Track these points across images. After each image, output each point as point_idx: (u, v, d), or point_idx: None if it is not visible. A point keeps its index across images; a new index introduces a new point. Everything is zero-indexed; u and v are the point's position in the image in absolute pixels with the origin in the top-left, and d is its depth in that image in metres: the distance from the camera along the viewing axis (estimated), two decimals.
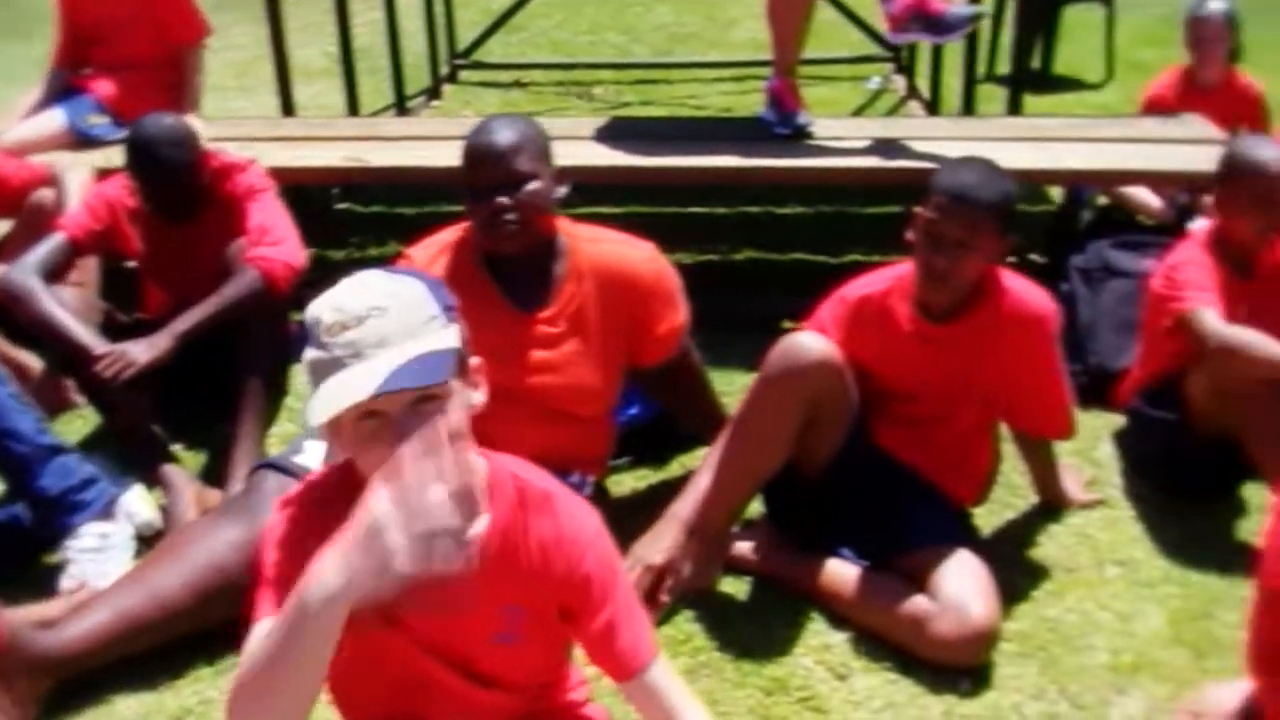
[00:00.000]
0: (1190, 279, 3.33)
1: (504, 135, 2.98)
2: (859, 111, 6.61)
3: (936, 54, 6.10)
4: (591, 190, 5.18)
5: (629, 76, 7.37)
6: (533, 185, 2.96)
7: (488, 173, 2.96)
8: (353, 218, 5.47)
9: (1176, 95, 5.15)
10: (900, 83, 6.80)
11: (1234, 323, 3.26)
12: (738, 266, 4.92)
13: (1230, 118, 5.10)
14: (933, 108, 6.12)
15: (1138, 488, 3.52)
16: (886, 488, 3.10)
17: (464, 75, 7.29)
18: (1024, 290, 3.06)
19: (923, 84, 6.41)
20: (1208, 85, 5.15)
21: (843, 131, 4.42)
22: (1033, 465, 3.39)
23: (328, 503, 1.90)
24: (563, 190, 3.08)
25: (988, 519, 3.38)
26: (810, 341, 2.96)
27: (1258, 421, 3.20)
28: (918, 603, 2.87)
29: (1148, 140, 4.46)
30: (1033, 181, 4.62)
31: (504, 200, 2.93)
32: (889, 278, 3.14)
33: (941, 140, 4.32)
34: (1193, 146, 4.34)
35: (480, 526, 1.86)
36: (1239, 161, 3.45)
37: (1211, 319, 3.22)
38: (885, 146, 4.23)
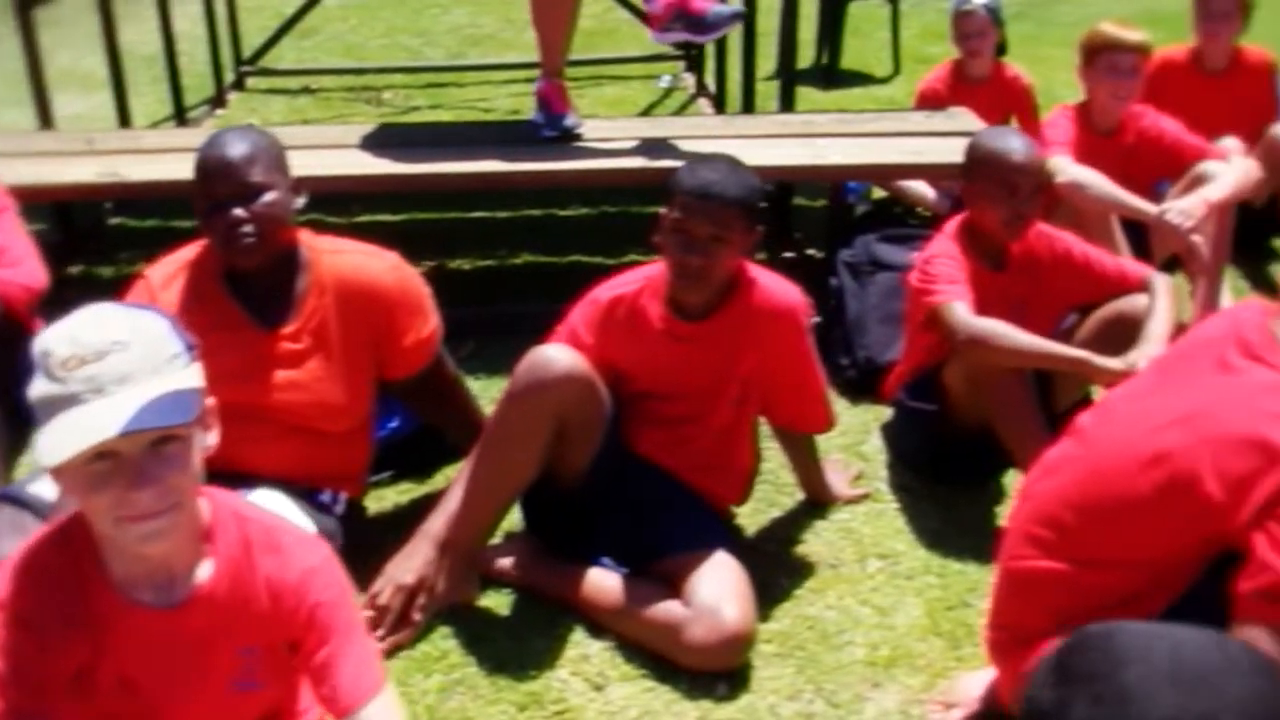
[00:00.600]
0: (940, 272, 3.35)
1: (236, 147, 2.88)
2: (648, 110, 6.60)
3: (721, 52, 6.11)
4: (372, 199, 5.12)
5: (420, 80, 7.26)
6: (268, 196, 2.86)
7: (221, 185, 2.86)
8: (125, 233, 5.28)
9: (948, 89, 5.23)
10: (691, 81, 6.80)
11: (987, 314, 3.29)
12: (517, 270, 4.85)
13: (1001, 109, 5.21)
14: (721, 105, 6.12)
15: (903, 479, 3.54)
16: (644, 493, 3.07)
17: (251, 83, 7.11)
18: (773, 285, 3.05)
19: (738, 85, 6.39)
20: (977, 78, 5.24)
21: (612, 132, 4.38)
22: (796, 462, 3.38)
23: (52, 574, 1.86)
24: (301, 200, 2.99)
25: (753, 518, 3.37)
26: (555, 354, 2.90)
27: (1007, 409, 3.24)
28: (672, 609, 2.84)
29: (915, 134, 4.49)
30: (799, 179, 4.63)
31: (239, 213, 2.84)
32: (640, 278, 3.10)
33: (711, 139, 4.31)
34: (960, 139, 4.35)
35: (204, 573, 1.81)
36: (983, 152, 3.48)
37: (960, 311, 3.24)
38: (652, 146, 4.20)
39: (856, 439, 3.73)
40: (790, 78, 4.82)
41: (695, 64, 6.78)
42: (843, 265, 4.12)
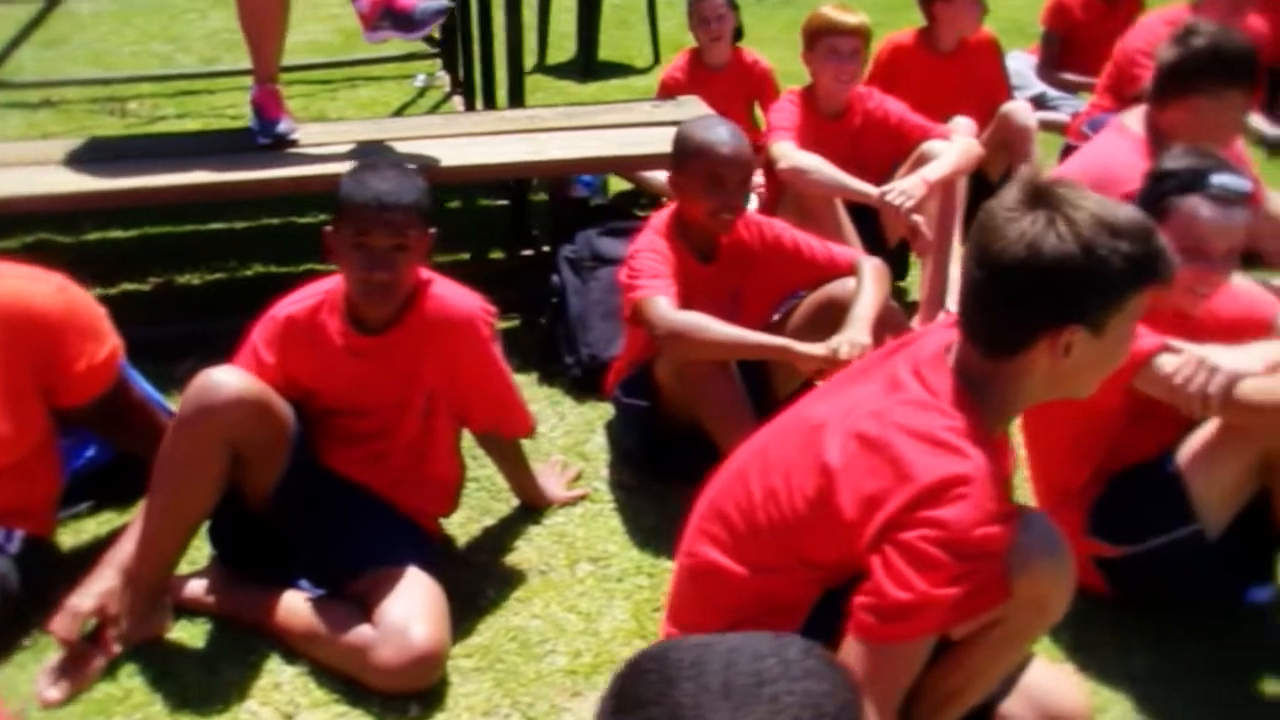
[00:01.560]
0: (644, 267, 3.31)
1: None
2: (401, 110, 6.48)
3: (472, 46, 6.00)
4: (95, 213, 4.91)
5: (170, 89, 7.01)
6: None
7: None
8: None
9: (689, 77, 5.22)
10: (447, 79, 6.69)
11: (699, 306, 3.26)
12: (249, 282, 4.69)
13: (743, 96, 5.21)
14: (471, 103, 6.02)
15: (622, 478, 3.51)
16: (337, 511, 2.97)
17: None
18: (449, 294, 2.98)
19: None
20: (717, 65, 5.23)
21: (326, 137, 4.25)
22: (504, 468, 3.33)
23: None
24: None
25: (465, 528, 3.30)
26: (222, 378, 2.78)
27: (711, 402, 3.22)
28: (361, 631, 2.75)
29: (643, 125, 4.45)
30: (517, 175, 4.56)
31: None
32: (318, 293, 3.00)
33: (429, 139, 4.24)
34: None
35: None
36: (689, 143, 3.45)
37: (660, 306, 3.20)
38: (368, 150, 4.08)
39: (579, 438, 3.68)
40: (518, 72, 4.72)
41: (451, 61, 6.67)
42: (564, 261, 4.07)
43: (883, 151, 4.52)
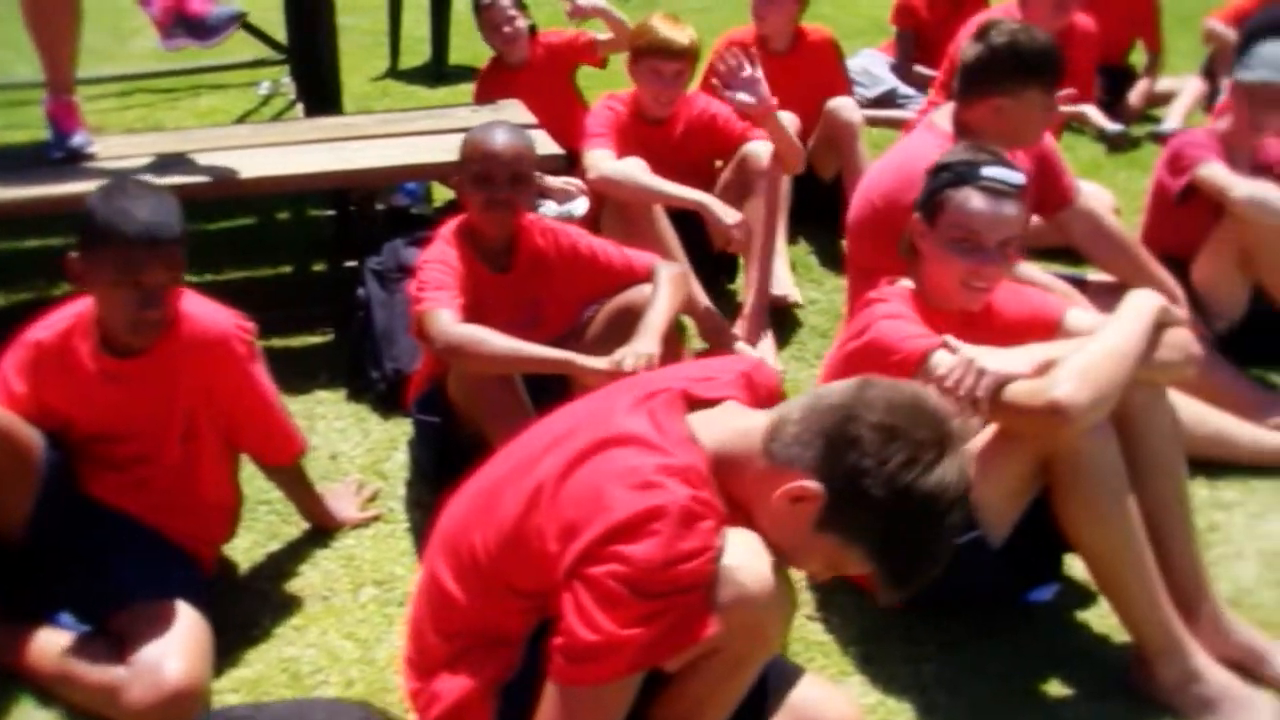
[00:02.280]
0: (429, 278, 3.21)
1: None
2: (244, 118, 6.33)
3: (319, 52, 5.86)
4: None
5: (4, 99, 6.79)
6: None
7: None
8: None
9: (495, 82, 5.16)
10: (293, 86, 6.55)
11: (497, 316, 3.17)
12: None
13: (556, 80, 5.13)
14: (321, 108, 5.86)
15: (419, 496, 3.40)
16: (97, 541, 2.84)
17: None
18: (202, 312, 2.86)
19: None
20: (517, 64, 5.14)
21: (126, 150, 4.11)
22: (287, 491, 3.22)
23: None
24: None
25: (250, 553, 3.19)
26: None
27: (495, 417, 3.11)
28: (113, 670, 2.62)
29: (455, 130, 4.34)
30: (319, 186, 4.43)
31: None
32: (70, 316, 2.87)
33: (237, 150, 4.11)
34: None
35: None
36: (464, 145, 3.39)
37: (442, 319, 3.10)
38: (169, 163, 3.95)
39: (380, 456, 3.58)
40: (336, 78, 4.61)
41: (300, 69, 6.52)
42: (370, 274, 3.95)
43: (705, 155, 4.46)
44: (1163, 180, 3.92)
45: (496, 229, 3.31)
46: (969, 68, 3.44)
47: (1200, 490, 3.27)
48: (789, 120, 4.51)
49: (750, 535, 1.98)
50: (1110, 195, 4.73)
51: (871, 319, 2.80)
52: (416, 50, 7.50)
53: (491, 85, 5.09)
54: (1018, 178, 2.81)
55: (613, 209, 4.10)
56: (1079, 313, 2.97)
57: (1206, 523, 3.20)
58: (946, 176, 2.82)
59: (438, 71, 7.19)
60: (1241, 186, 3.65)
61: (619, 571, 1.85)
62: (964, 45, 3.54)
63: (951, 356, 2.63)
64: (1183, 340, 2.75)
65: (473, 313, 3.16)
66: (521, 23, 5.08)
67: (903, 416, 1.87)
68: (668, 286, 3.33)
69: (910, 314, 2.80)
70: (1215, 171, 3.70)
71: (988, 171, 2.77)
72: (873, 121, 5.57)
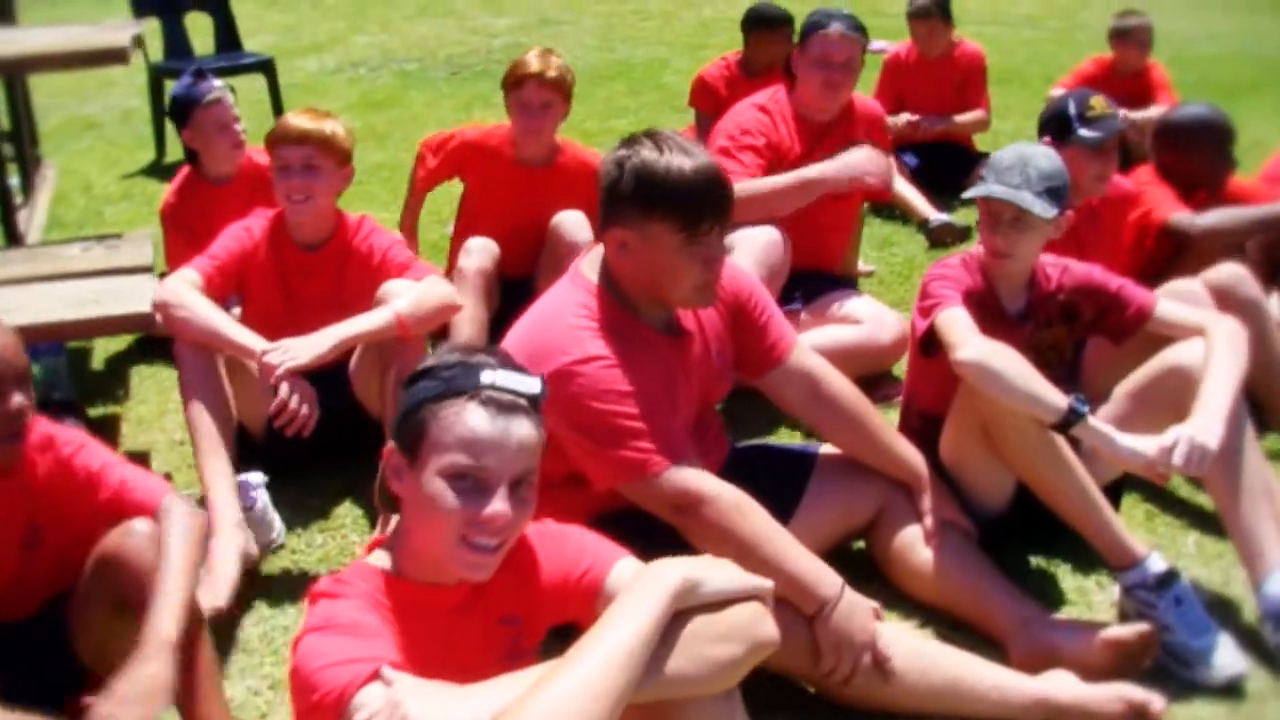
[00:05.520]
0: None
1: None
2: None
3: None
4: None
5: None
6: None
7: None
8: None
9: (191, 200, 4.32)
10: None
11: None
12: None
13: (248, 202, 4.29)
14: None
15: None
16: None
17: None
18: None
19: None
20: (221, 178, 4.32)
21: None
22: None
23: None
24: None
25: None
26: None
27: None
28: None
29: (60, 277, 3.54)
30: None
31: None
32: None
33: None
34: None
35: None
36: None
37: None
38: None
39: None
40: None
41: None
42: None
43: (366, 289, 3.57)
44: (914, 320, 3.11)
45: None
46: (601, 196, 2.64)
47: None
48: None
49: None
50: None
51: None
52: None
53: (177, 204, 4.28)
54: (527, 384, 1.97)
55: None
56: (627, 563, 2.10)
57: None
58: (430, 388, 1.93)
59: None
60: (969, 346, 2.83)
61: None
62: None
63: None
64: (740, 626, 1.95)
65: None
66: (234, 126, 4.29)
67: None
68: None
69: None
70: (951, 320, 2.91)
71: (488, 378, 1.91)
72: None
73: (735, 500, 2.52)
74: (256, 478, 3.19)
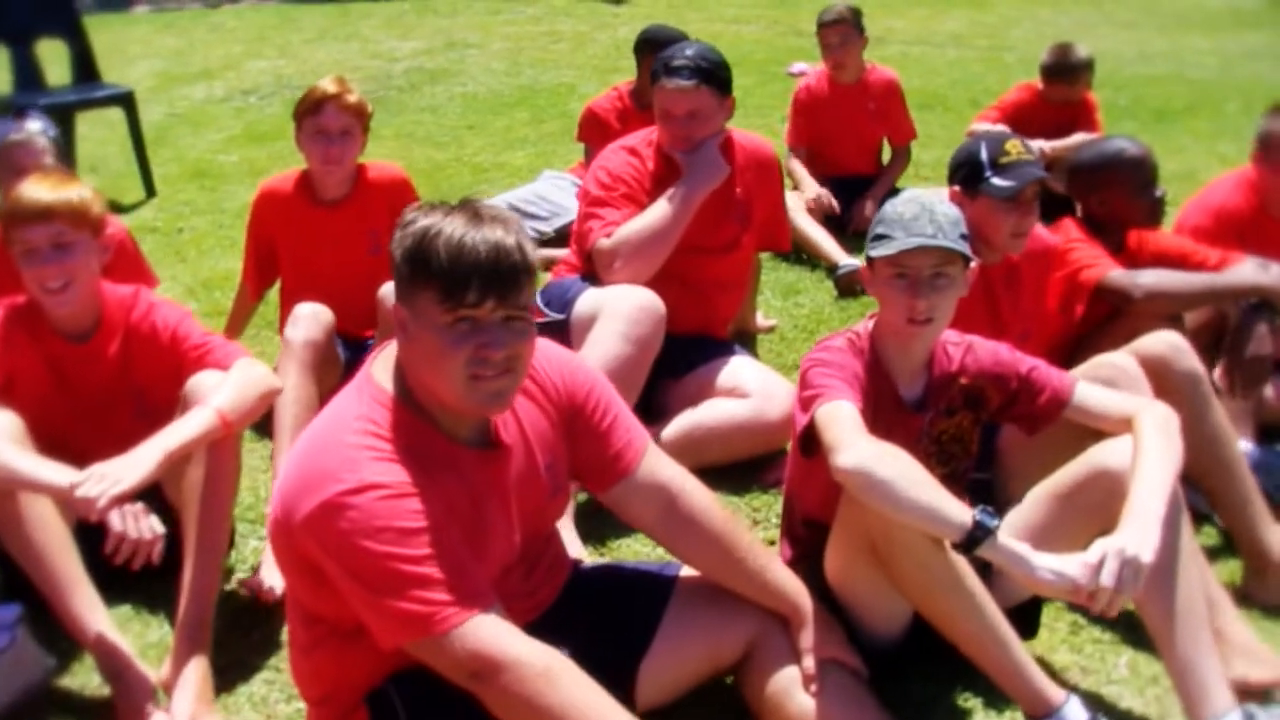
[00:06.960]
0: None
1: None
2: None
3: None
4: None
5: None
6: None
7: None
8: None
9: None
10: None
11: None
12: None
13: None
14: None
15: None
16: None
17: None
18: None
19: None
20: None
21: None
22: None
23: None
24: None
25: None
26: None
27: None
28: None
29: None
30: None
31: None
32: None
33: None
34: None
35: None
36: None
37: None
38: None
39: None
40: None
41: None
42: None
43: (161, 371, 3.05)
44: (794, 412, 2.61)
45: None
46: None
47: None
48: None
49: None
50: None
51: None
52: None
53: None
54: None
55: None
56: None
57: None
58: None
59: None
60: (850, 450, 2.31)
61: None
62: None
63: None
64: None
65: None
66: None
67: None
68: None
69: None
70: (832, 416, 2.40)
71: None
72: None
73: (543, 667, 2.01)
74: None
